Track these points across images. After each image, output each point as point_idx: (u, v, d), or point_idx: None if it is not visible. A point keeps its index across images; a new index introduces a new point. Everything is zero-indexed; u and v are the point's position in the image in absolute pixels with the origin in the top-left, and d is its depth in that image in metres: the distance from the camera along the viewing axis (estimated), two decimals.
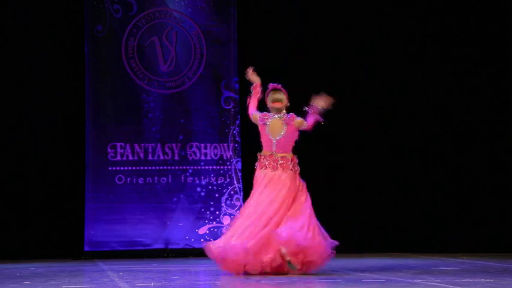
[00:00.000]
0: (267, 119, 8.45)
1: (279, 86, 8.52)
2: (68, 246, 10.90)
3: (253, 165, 8.62)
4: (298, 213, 8.30)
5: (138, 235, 10.89)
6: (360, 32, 11.47)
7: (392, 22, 11.45)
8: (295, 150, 8.53)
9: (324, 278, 7.86)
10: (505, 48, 11.14)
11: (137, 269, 9.02)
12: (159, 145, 11.01)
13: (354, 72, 11.47)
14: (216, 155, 11.09)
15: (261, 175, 8.40)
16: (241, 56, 11.18)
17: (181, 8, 11.13)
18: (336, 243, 8.31)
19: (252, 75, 8.67)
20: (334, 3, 11.50)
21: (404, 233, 11.25)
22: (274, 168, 8.39)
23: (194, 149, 11.07)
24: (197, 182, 11.03)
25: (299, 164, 8.50)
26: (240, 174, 11.04)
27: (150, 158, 10.98)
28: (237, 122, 11.03)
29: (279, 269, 8.11)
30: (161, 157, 11.00)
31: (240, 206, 10.89)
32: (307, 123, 8.45)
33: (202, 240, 10.94)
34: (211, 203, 11.03)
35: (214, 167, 11.07)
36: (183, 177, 11.02)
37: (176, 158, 11.02)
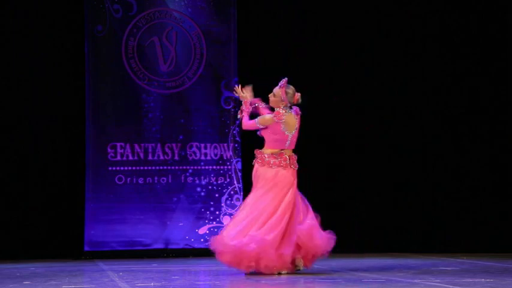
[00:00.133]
0: (282, 115, 8.44)
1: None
2: (68, 246, 10.90)
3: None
4: (307, 210, 8.43)
5: (138, 235, 10.88)
6: (360, 32, 11.47)
7: (392, 22, 11.45)
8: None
9: (324, 278, 7.86)
10: (505, 48, 11.14)
11: (137, 269, 9.02)
12: (159, 145, 11.01)
13: (354, 72, 11.47)
14: (216, 155, 11.09)
15: (270, 173, 8.37)
16: (241, 56, 11.18)
17: (181, 8, 11.13)
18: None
19: (242, 93, 8.68)
20: (334, 3, 11.50)
21: (404, 233, 11.25)
22: (285, 167, 8.41)
23: (194, 149, 11.07)
24: (197, 182, 11.03)
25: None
26: (240, 174, 11.04)
27: (150, 158, 10.98)
28: (237, 122, 11.02)
29: (287, 266, 8.14)
30: (161, 157, 11.00)
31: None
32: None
33: (202, 240, 10.95)
34: (211, 203, 11.02)
35: (214, 167, 11.07)
36: (183, 177, 11.02)
37: (176, 158, 11.02)
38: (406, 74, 11.37)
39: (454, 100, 11.24)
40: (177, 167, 11.01)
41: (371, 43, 11.46)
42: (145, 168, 10.95)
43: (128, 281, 7.66)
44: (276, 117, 8.41)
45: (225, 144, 11.10)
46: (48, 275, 8.35)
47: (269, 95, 8.54)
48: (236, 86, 8.88)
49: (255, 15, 11.43)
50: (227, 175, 11.07)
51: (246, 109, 8.62)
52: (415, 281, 7.32)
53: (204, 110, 11.11)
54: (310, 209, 8.52)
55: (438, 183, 11.21)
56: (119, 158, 10.92)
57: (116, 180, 10.89)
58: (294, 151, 8.54)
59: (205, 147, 11.08)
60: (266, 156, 8.43)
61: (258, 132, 8.53)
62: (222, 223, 10.84)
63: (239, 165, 11.05)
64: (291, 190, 8.34)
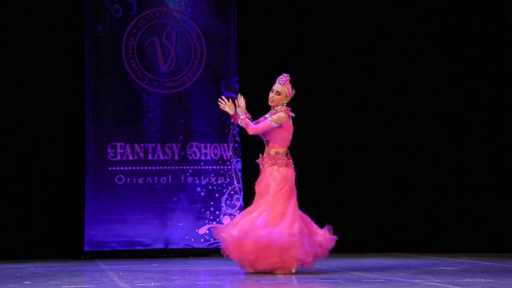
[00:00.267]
0: (291, 112, 8.48)
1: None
2: (68, 246, 10.90)
3: (253, 165, 8.61)
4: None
5: (138, 235, 10.88)
6: (360, 32, 11.47)
7: (392, 22, 11.45)
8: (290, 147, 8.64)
9: (324, 278, 7.86)
10: (505, 48, 11.14)
11: (137, 269, 9.02)
12: (159, 145, 11.00)
13: (354, 72, 11.47)
14: (216, 155, 11.09)
15: (292, 174, 8.41)
16: (241, 56, 11.18)
17: (181, 8, 11.12)
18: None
19: (229, 106, 8.64)
20: (334, 3, 11.50)
21: (404, 233, 11.25)
22: (292, 165, 8.49)
23: (194, 149, 11.07)
24: (197, 182, 11.03)
25: None
26: (240, 174, 11.04)
27: (150, 158, 10.98)
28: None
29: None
30: (161, 157, 11.00)
31: (240, 206, 10.90)
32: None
33: (202, 240, 10.95)
34: (211, 203, 11.02)
35: (214, 167, 11.07)
36: (183, 177, 11.01)
37: (176, 158, 11.02)
38: (406, 74, 11.37)
39: (454, 100, 11.24)
40: (177, 167, 11.01)
41: (371, 43, 11.46)
42: (145, 168, 10.95)
43: (127, 281, 7.66)
44: (289, 114, 8.43)
45: (225, 144, 11.10)
46: (48, 275, 8.35)
47: (271, 95, 8.47)
48: (220, 102, 8.77)
49: (255, 15, 11.43)
50: (227, 175, 11.07)
51: (247, 116, 8.57)
52: (415, 281, 7.32)
53: (204, 110, 11.10)
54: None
55: (438, 183, 11.21)
56: (119, 158, 10.92)
57: (116, 180, 10.89)
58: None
59: (205, 147, 11.08)
60: (284, 156, 8.42)
61: (264, 134, 8.47)
62: (222, 223, 10.83)
63: (239, 165, 11.05)
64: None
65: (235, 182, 11.06)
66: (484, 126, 11.17)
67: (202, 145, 11.07)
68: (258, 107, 8.66)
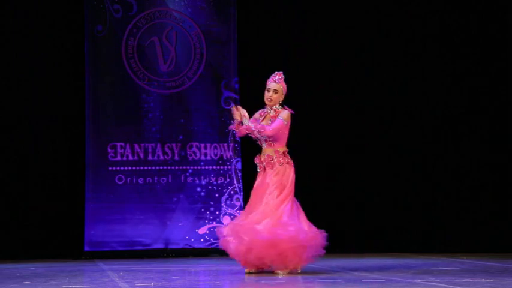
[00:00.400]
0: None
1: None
2: (68, 246, 10.90)
3: (253, 165, 8.60)
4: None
5: (138, 235, 10.88)
6: (360, 32, 11.47)
7: (392, 22, 11.45)
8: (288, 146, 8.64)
9: (324, 278, 7.86)
10: (505, 48, 11.14)
11: (137, 269, 9.02)
12: (159, 145, 11.00)
13: (354, 72, 11.47)
14: (216, 155, 11.09)
15: (291, 171, 8.45)
16: (241, 56, 11.18)
17: (181, 8, 11.13)
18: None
19: (238, 115, 8.51)
20: (334, 3, 11.51)
21: (404, 233, 11.24)
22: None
23: (194, 149, 11.07)
24: (197, 182, 11.03)
25: None
26: (240, 174, 11.04)
27: (150, 158, 10.98)
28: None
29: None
30: (161, 157, 11.00)
31: (240, 206, 10.90)
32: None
33: (202, 240, 10.95)
34: (211, 203, 11.02)
35: (214, 167, 11.07)
36: (183, 177, 11.02)
37: (176, 158, 11.02)
38: (406, 74, 11.37)
39: (454, 100, 11.24)
40: (177, 167, 11.01)
41: (371, 43, 11.46)
42: (145, 168, 10.95)
43: (127, 281, 7.66)
44: (290, 113, 8.45)
45: (225, 144, 11.10)
46: (48, 275, 8.35)
47: (269, 95, 8.44)
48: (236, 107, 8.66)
49: (255, 15, 11.43)
50: (227, 175, 11.07)
51: (257, 121, 8.51)
52: (415, 281, 7.32)
53: (204, 110, 11.11)
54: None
55: (438, 183, 11.21)
56: (119, 158, 10.92)
57: (116, 180, 10.89)
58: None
59: (205, 147, 11.08)
60: (288, 154, 8.46)
61: (273, 133, 8.44)
62: (222, 223, 10.83)
63: (239, 165, 11.05)
64: None
65: (235, 182, 11.06)
66: (484, 126, 11.17)
67: (202, 145, 11.08)
68: (259, 107, 8.65)
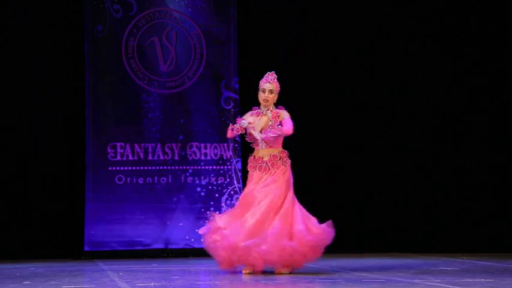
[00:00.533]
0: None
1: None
2: (68, 246, 10.90)
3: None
4: None
5: (138, 235, 10.88)
6: (360, 32, 11.47)
7: (392, 22, 11.45)
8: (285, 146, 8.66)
9: (324, 278, 7.86)
10: (505, 48, 11.14)
11: (137, 269, 9.02)
12: (159, 145, 11.00)
13: (354, 72, 11.47)
14: (216, 155, 11.09)
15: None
16: (241, 56, 11.18)
17: (181, 8, 11.13)
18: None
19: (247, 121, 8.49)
20: (334, 3, 11.51)
21: (404, 233, 11.24)
22: None
23: (194, 149, 11.07)
24: (197, 182, 11.03)
25: None
26: (240, 174, 11.04)
27: (150, 158, 10.98)
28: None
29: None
30: (161, 157, 11.00)
31: None
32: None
33: (202, 240, 10.93)
34: (211, 203, 11.02)
35: (214, 167, 11.07)
36: (183, 177, 11.02)
37: (176, 158, 11.02)
38: (406, 74, 11.37)
39: (454, 100, 11.24)
40: (177, 167, 11.01)
41: (371, 43, 11.46)
42: (145, 168, 10.95)
43: (127, 281, 7.66)
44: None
45: (225, 144, 11.10)
46: (48, 275, 8.35)
47: (265, 95, 8.42)
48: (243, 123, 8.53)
49: (255, 15, 11.43)
50: (227, 175, 11.08)
51: (271, 126, 8.48)
52: (415, 281, 7.32)
53: (204, 110, 11.11)
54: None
55: (438, 183, 11.21)
56: (119, 158, 10.92)
57: (116, 180, 10.89)
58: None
59: (205, 147, 11.08)
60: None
61: (293, 131, 8.44)
62: None
63: (239, 165, 11.05)
64: None
65: (235, 182, 11.06)
66: (484, 126, 11.17)
67: (202, 145, 11.08)
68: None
